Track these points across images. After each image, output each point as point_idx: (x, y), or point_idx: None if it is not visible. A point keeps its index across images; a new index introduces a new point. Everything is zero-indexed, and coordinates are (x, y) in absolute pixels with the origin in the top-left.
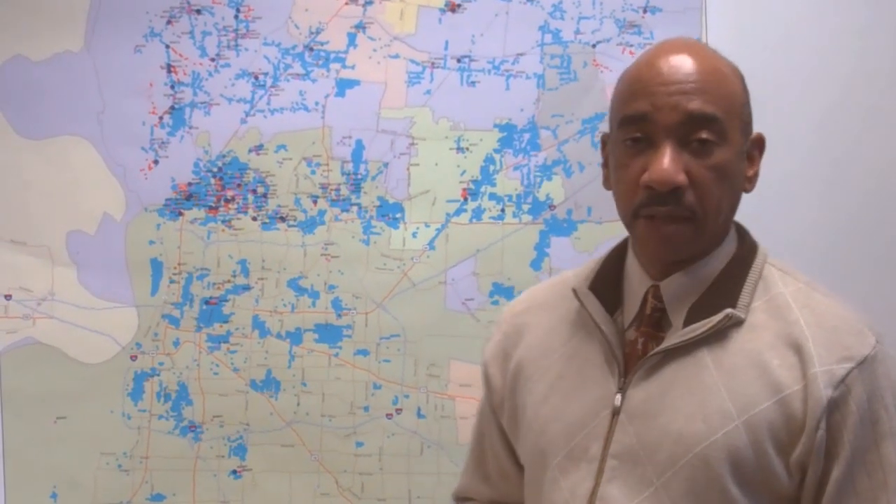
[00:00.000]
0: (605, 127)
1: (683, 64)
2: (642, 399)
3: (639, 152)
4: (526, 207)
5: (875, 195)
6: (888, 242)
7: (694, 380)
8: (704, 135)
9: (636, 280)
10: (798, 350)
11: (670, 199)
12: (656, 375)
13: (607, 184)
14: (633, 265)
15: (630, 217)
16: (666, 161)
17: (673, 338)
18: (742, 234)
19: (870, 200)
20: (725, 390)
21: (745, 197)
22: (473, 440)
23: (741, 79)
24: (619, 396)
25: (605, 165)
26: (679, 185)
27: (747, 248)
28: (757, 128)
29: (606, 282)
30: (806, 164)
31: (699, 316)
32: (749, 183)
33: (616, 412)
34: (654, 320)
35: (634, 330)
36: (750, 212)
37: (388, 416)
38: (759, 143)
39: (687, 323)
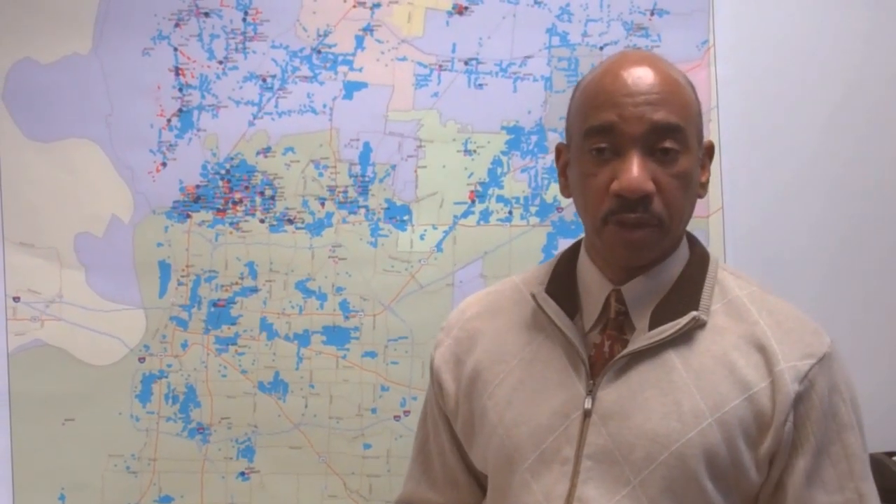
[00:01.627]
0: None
1: (646, 75)
2: (614, 400)
3: (605, 161)
4: (533, 209)
5: (881, 196)
6: (894, 243)
7: (664, 380)
8: (669, 144)
9: (594, 284)
10: (761, 349)
11: (639, 206)
12: (625, 377)
13: (566, 191)
14: (588, 269)
15: (599, 223)
16: (635, 170)
17: (640, 340)
18: (692, 241)
19: (875, 202)
20: (696, 390)
21: (750, 199)
22: (417, 447)
23: (694, 88)
24: (588, 399)
25: (561, 174)
26: (648, 193)
27: (700, 254)
28: (763, 129)
29: (562, 286)
30: (812, 165)
31: (664, 319)
32: (702, 189)
33: (587, 414)
34: (618, 323)
35: (599, 333)
36: (756, 213)
37: (396, 417)
38: (710, 151)
39: (652, 325)
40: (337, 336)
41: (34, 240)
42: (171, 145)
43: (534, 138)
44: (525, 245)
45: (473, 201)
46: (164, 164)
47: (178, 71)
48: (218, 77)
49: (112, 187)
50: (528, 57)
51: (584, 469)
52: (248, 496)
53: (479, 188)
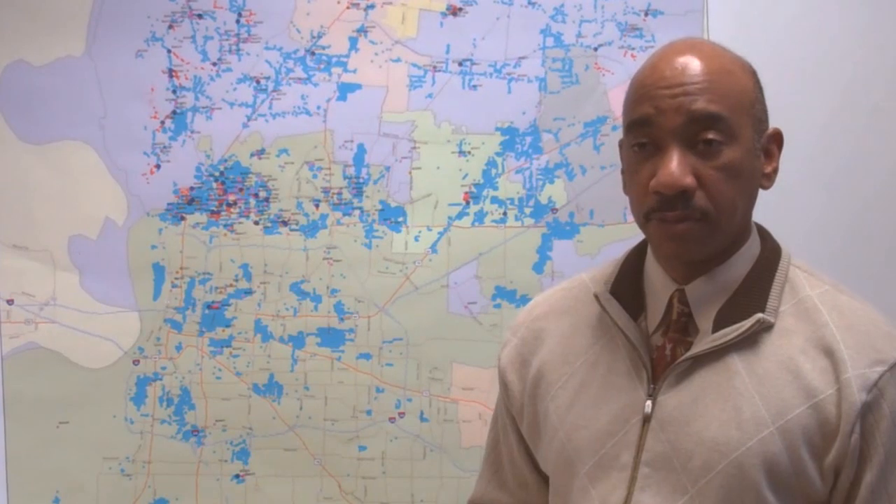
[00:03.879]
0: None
1: (686, 65)
2: (674, 406)
3: (647, 157)
4: (528, 211)
5: (880, 196)
6: (894, 244)
7: (726, 386)
8: (710, 135)
9: (659, 284)
10: (830, 354)
11: (679, 202)
12: (686, 381)
13: (626, 189)
14: (654, 268)
15: (643, 220)
16: (672, 165)
17: (703, 343)
18: (764, 236)
19: (875, 201)
20: (758, 396)
21: None
22: (488, 446)
23: (752, 74)
24: (649, 403)
25: (623, 172)
26: (687, 188)
27: (770, 251)
28: None
29: (627, 285)
30: (810, 167)
31: (728, 321)
32: (767, 180)
33: (647, 419)
34: (681, 325)
35: (661, 335)
36: (755, 215)
37: (391, 419)
38: (777, 139)
39: (716, 328)
40: (332, 338)
41: (28, 242)
42: (164, 147)
43: (528, 139)
44: (520, 246)
45: (468, 202)
46: (157, 167)
47: (171, 73)
48: (212, 79)
49: (106, 189)
50: (523, 58)
51: (641, 476)
52: (243, 499)
53: (473, 189)
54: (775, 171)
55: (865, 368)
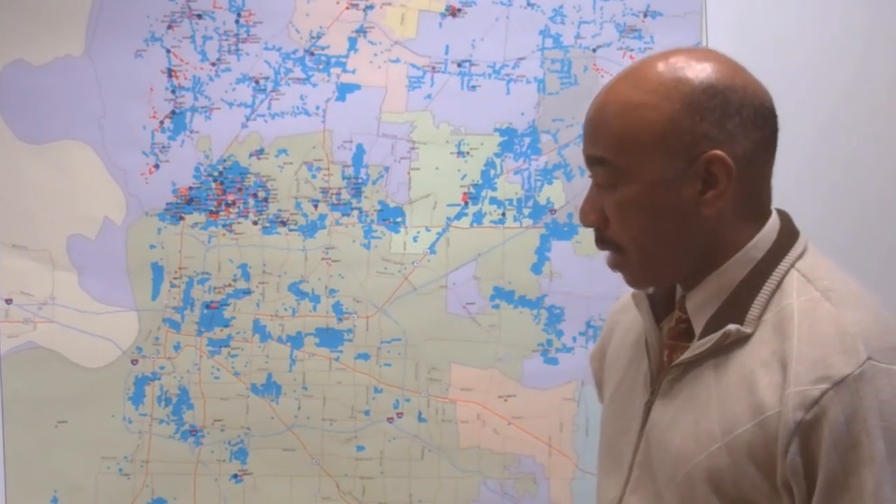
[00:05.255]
0: None
1: (593, 107)
2: (661, 412)
3: None
4: (527, 211)
5: (881, 199)
6: (894, 244)
7: (697, 396)
8: (599, 175)
9: (678, 290)
10: (784, 368)
11: (596, 233)
12: (675, 388)
13: None
14: None
15: None
16: (584, 201)
17: (688, 351)
18: (784, 231)
19: (876, 204)
20: (716, 410)
21: None
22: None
23: (677, 101)
24: (646, 407)
25: None
26: (591, 224)
27: (778, 249)
28: None
29: (669, 288)
30: (809, 169)
31: (713, 329)
32: (706, 206)
33: (644, 423)
34: (681, 331)
35: (667, 341)
36: None
37: (389, 419)
38: (716, 162)
39: (702, 336)
40: (330, 338)
41: (27, 242)
42: (163, 147)
43: (527, 140)
44: (518, 247)
45: (467, 203)
46: (156, 166)
47: (170, 73)
48: (211, 79)
49: (105, 189)
50: (521, 59)
51: (633, 478)
52: (241, 498)
53: (472, 190)
54: (718, 195)
55: (808, 385)
